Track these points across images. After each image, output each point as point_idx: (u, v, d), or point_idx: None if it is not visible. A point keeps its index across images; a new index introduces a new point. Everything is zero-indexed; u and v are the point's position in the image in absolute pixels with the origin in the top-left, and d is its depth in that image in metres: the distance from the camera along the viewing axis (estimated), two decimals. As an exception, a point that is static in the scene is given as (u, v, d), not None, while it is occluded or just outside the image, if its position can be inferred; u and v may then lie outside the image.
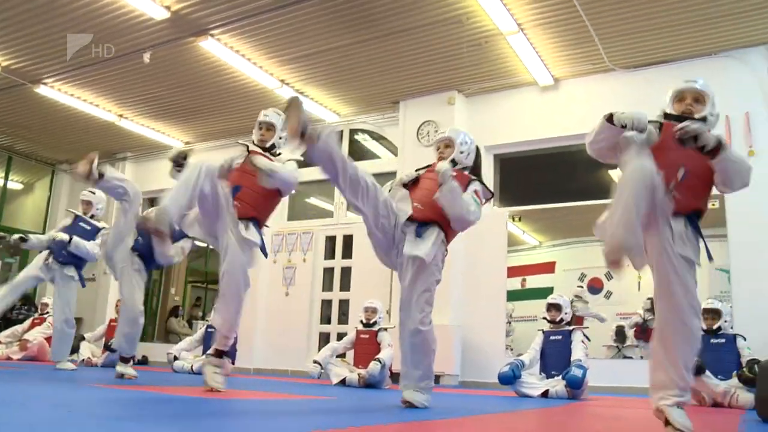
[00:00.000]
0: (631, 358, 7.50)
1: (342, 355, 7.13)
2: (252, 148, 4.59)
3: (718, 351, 5.55)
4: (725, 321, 5.68)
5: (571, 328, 6.15)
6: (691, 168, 2.80)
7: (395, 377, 7.05)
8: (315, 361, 6.83)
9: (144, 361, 10.06)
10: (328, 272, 9.62)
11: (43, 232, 10.08)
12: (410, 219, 3.71)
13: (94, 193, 6.52)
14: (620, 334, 8.31)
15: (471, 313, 8.12)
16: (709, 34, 7.01)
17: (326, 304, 9.54)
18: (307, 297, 9.51)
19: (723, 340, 5.60)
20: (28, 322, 9.37)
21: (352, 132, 9.93)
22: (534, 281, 8.67)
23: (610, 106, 8.00)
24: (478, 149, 4.23)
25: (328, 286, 9.56)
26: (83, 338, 9.01)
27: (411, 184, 3.94)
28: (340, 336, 8.35)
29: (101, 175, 5.05)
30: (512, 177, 8.83)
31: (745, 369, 5.26)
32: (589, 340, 6.12)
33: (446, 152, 4.08)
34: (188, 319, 12.74)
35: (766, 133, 6.83)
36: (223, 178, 4.30)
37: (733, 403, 5.21)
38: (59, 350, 6.35)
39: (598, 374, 6.25)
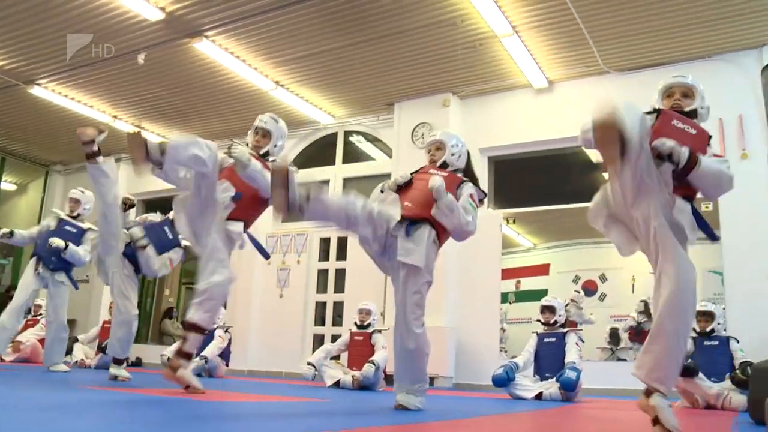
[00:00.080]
0: (625, 360, 7.51)
1: (336, 357, 7.13)
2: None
3: (711, 353, 5.56)
4: (718, 323, 5.69)
5: (565, 330, 6.15)
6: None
7: (389, 379, 7.05)
8: (309, 363, 6.82)
9: (138, 363, 10.03)
10: (323, 274, 9.61)
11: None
12: (401, 217, 3.68)
13: (83, 192, 6.49)
14: (614, 336, 8.32)
15: (465, 315, 8.13)
16: (702, 37, 7.04)
17: (320, 306, 9.54)
18: (302, 299, 9.50)
19: (716, 343, 5.62)
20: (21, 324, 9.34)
21: (347, 134, 9.93)
22: (528, 283, 8.67)
23: (604, 108, 7.99)
24: (469, 153, 4.23)
25: (322, 287, 9.56)
26: (76, 340, 8.99)
27: (404, 186, 3.91)
28: (335, 338, 8.34)
29: (93, 155, 4.93)
30: (507, 179, 8.84)
31: (738, 371, 5.27)
32: (583, 342, 6.13)
33: (437, 154, 4.08)
34: (182, 320, 12.71)
35: (759, 136, 6.85)
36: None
37: (725, 405, 5.22)
38: (53, 354, 6.33)
39: (592, 376, 6.25)
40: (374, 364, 6.41)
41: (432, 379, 7.57)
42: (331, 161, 9.94)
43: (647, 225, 2.65)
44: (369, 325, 6.90)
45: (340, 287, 9.31)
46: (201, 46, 7.54)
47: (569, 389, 5.57)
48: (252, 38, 7.47)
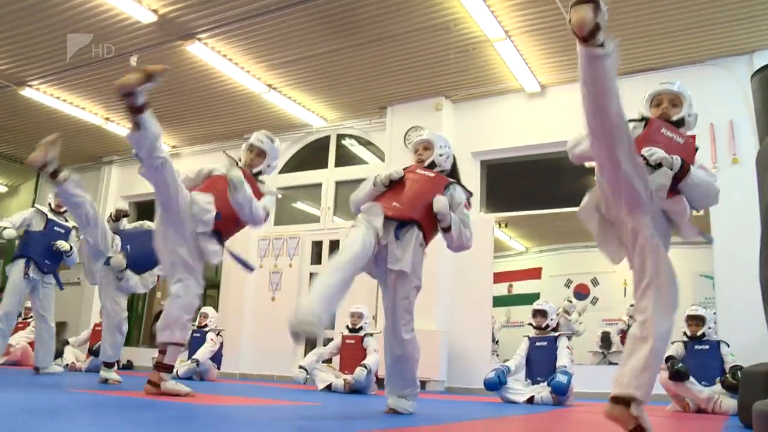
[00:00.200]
0: (616, 364, 7.52)
1: (328, 361, 7.12)
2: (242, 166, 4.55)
3: (702, 357, 5.58)
4: (709, 327, 5.72)
5: (556, 334, 6.16)
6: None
7: (381, 383, 7.04)
8: (301, 367, 6.81)
9: (129, 366, 9.99)
10: (315, 277, 9.58)
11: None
12: (389, 218, 3.58)
13: None
14: (606, 340, 8.35)
15: (457, 318, 8.13)
16: (694, 42, 7.08)
17: (312, 310, 9.50)
18: (294, 302, 9.36)
19: (707, 347, 5.64)
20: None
21: (340, 137, 9.93)
22: (520, 287, 8.69)
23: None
24: (454, 156, 4.21)
25: (314, 291, 9.53)
26: (67, 343, 8.94)
27: (396, 182, 3.81)
28: (326, 342, 8.33)
29: (55, 173, 4.66)
30: (499, 183, 8.86)
31: (728, 375, 5.29)
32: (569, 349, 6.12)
33: (425, 154, 4.01)
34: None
35: (750, 141, 6.89)
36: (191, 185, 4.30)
37: (716, 409, 5.24)
38: (45, 356, 6.29)
39: (583, 380, 6.27)
40: (366, 367, 6.40)
41: (424, 383, 7.57)
42: (323, 164, 9.93)
43: (635, 234, 2.66)
44: (361, 328, 6.90)
45: (332, 290, 9.27)
46: (193, 48, 7.54)
47: (561, 393, 5.57)
48: (245, 41, 7.47)
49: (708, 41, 7.04)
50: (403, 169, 3.90)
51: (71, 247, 6.12)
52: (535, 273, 8.44)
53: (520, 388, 5.87)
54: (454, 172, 4.11)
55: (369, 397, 5.83)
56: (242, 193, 4.15)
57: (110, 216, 5.95)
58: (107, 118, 9.98)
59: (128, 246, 5.52)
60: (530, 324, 6.32)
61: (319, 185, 9.89)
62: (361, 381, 6.35)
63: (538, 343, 6.13)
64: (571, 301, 7.82)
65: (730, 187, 6.75)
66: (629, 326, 7.68)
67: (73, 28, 7.24)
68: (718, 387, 5.34)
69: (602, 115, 2.48)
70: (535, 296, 7.45)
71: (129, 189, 11.56)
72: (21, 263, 6.09)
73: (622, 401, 2.45)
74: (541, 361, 6.02)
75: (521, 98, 8.44)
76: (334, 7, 6.71)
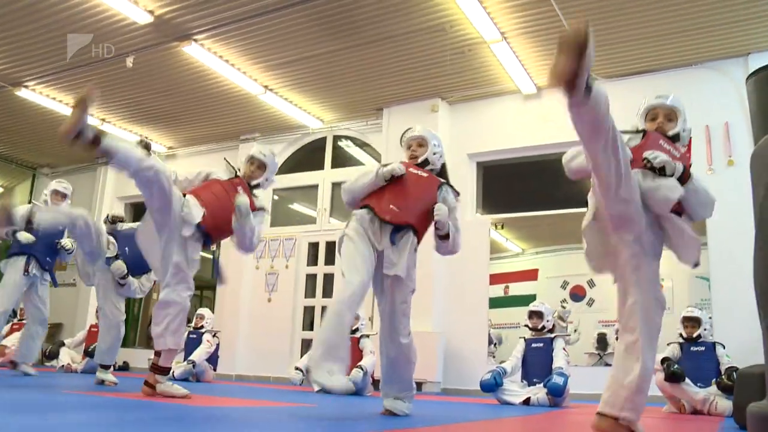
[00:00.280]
0: (612, 365, 7.53)
1: (324, 362, 7.10)
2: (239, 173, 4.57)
3: (697, 359, 5.59)
4: (705, 329, 5.73)
5: (552, 335, 6.16)
6: None
7: (377, 384, 7.05)
8: (297, 368, 6.81)
9: (125, 367, 9.98)
10: (311, 279, 9.60)
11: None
12: (384, 221, 3.58)
13: (67, 187, 6.37)
14: (602, 341, 8.35)
15: (453, 320, 8.13)
16: (689, 45, 7.10)
17: (309, 311, 9.52)
18: (290, 303, 9.48)
19: (702, 348, 5.65)
20: (6, 328, 9.25)
21: (336, 138, 9.93)
22: (517, 288, 8.70)
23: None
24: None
25: (310, 292, 9.54)
26: (63, 344, 8.92)
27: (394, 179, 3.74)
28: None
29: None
30: (495, 185, 8.87)
31: (724, 377, 5.31)
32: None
33: (419, 151, 3.93)
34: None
35: (745, 143, 6.90)
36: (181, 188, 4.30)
37: (712, 410, 5.25)
38: (27, 352, 6.19)
39: (579, 382, 6.27)
40: (362, 369, 6.40)
41: (420, 384, 7.57)
42: (319, 166, 9.93)
43: (618, 252, 2.70)
44: (357, 330, 6.90)
45: (328, 292, 9.29)
46: (190, 49, 7.53)
47: (557, 395, 5.58)
48: (241, 42, 7.46)
49: (704, 43, 7.06)
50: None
51: (72, 245, 6.09)
52: (531, 274, 8.45)
53: (516, 390, 5.88)
54: (443, 172, 4.05)
55: (365, 399, 5.83)
56: (249, 224, 4.21)
57: (107, 218, 5.94)
58: (103, 119, 9.97)
59: (126, 248, 5.51)
60: (526, 326, 6.33)
61: (316, 186, 9.89)
62: (358, 382, 6.35)
63: (534, 345, 6.13)
64: (564, 307, 7.81)
65: (726, 188, 6.77)
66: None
67: (69, 29, 7.23)
68: (713, 388, 5.36)
69: (594, 152, 2.50)
70: (531, 298, 7.46)
71: (124, 190, 11.53)
72: (22, 260, 6.02)
73: (612, 416, 2.53)
74: (537, 363, 6.02)
75: (517, 100, 8.45)
76: (330, 9, 6.71)
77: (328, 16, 6.84)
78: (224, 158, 4.77)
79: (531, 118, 8.30)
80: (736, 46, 7.08)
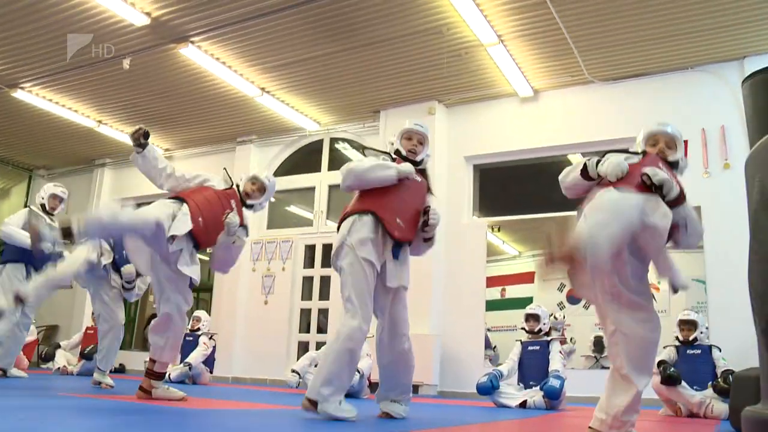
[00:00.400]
0: (609, 368, 7.53)
1: (321, 365, 7.09)
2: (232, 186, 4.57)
3: (693, 362, 5.60)
4: (701, 332, 5.74)
5: (549, 338, 6.17)
6: None
7: (374, 387, 7.03)
8: (293, 371, 6.79)
9: (121, 370, 9.96)
10: (308, 281, 9.59)
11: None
12: (390, 236, 3.55)
13: (65, 191, 6.35)
14: (598, 344, 8.34)
15: (450, 322, 8.14)
16: (686, 48, 7.11)
17: (305, 313, 9.51)
18: (287, 306, 9.47)
19: (699, 351, 5.66)
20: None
21: (333, 141, 9.93)
22: (513, 291, 8.68)
23: (588, 117, 8.09)
24: None
25: (307, 295, 9.53)
26: (59, 346, 8.90)
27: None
28: (319, 345, 8.31)
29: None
30: (492, 187, 8.88)
31: (720, 380, 5.32)
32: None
33: (419, 149, 3.88)
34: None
35: (741, 146, 6.92)
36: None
37: (708, 413, 5.26)
38: (13, 353, 6.06)
39: (576, 385, 6.27)
40: (358, 371, 6.39)
41: (416, 387, 7.57)
42: (316, 168, 9.93)
43: (594, 282, 2.76)
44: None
45: (325, 294, 9.28)
46: (187, 51, 7.52)
47: (553, 397, 5.58)
48: (238, 44, 7.46)
49: (700, 47, 7.08)
50: (396, 157, 3.82)
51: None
52: (528, 277, 8.43)
53: (512, 393, 5.88)
54: (426, 175, 4.00)
55: (361, 401, 5.82)
56: (239, 244, 4.27)
57: None
58: (100, 121, 9.95)
59: (124, 251, 5.49)
60: (523, 328, 6.33)
61: (312, 189, 9.89)
62: (354, 385, 6.33)
63: (530, 348, 6.14)
64: (556, 318, 7.78)
65: (722, 191, 6.80)
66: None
67: (65, 31, 7.22)
68: (709, 391, 5.36)
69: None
70: (528, 300, 7.46)
71: (121, 192, 11.53)
72: (22, 268, 5.98)
73: None
74: (533, 366, 6.03)
75: (514, 103, 8.46)
76: (327, 11, 6.71)
77: (325, 18, 6.85)
78: (224, 168, 4.75)
79: (528, 121, 8.32)
80: (732, 50, 7.10)
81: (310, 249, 9.69)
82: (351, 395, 6.35)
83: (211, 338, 8.12)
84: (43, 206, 6.21)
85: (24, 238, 5.80)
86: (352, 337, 3.31)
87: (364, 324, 3.36)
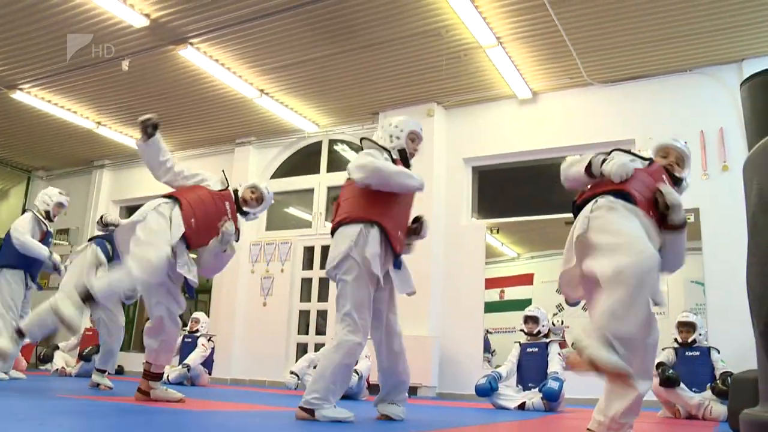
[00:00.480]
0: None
1: (319, 366, 7.08)
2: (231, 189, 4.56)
3: (692, 363, 5.60)
4: (700, 334, 5.74)
5: (548, 340, 6.17)
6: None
7: (372, 389, 7.03)
8: (292, 372, 6.79)
9: (120, 371, 9.94)
10: (306, 282, 9.58)
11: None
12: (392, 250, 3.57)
13: (68, 199, 6.34)
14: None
15: (449, 324, 8.14)
16: (684, 50, 7.12)
17: (304, 315, 9.50)
18: (285, 307, 9.46)
19: (697, 353, 5.66)
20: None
21: (332, 142, 9.93)
22: (512, 293, 8.69)
23: (587, 120, 8.09)
24: None
25: (306, 296, 9.53)
26: (57, 347, 8.90)
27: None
28: (318, 347, 8.31)
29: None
30: (490, 189, 8.89)
31: (718, 381, 5.32)
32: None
33: (417, 149, 3.94)
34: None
35: (740, 149, 6.93)
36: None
37: (706, 415, 5.26)
38: (13, 355, 6.08)
39: (574, 387, 6.27)
40: (357, 373, 6.38)
41: (415, 389, 7.58)
42: (315, 170, 9.93)
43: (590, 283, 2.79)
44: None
45: (324, 296, 9.28)
46: (186, 53, 7.52)
47: (552, 399, 5.58)
48: (237, 46, 7.46)
49: (699, 49, 7.09)
50: (397, 158, 3.79)
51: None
52: (526, 279, 8.43)
53: (511, 394, 5.88)
54: None
55: (360, 403, 5.82)
56: (229, 252, 4.26)
57: (99, 220, 5.91)
58: (98, 122, 9.95)
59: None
60: (522, 330, 6.33)
61: (311, 190, 9.89)
62: (353, 387, 6.33)
63: (529, 349, 6.14)
64: (554, 324, 7.78)
65: (721, 193, 6.81)
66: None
67: (64, 32, 7.21)
68: (708, 393, 5.37)
69: None
70: (526, 302, 7.45)
71: (120, 193, 11.53)
72: (21, 274, 5.94)
73: None
74: (532, 368, 6.04)
75: (513, 105, 8.47)
76: (326, 13, 6.71)
77: (324, 20, 6.85)
78: (222, 171, 4.75)
79: (526, 123, 8.33)
80: (730, 52, 7.11)
81: (309, 251, 9.68)
82: (350, 397, 6.36)
83: (209, 340, 8.12)
84: (47, 213, 6.15)
85: (41, 251, 5.79)
86: (352, 353, 3.33)
87: (364, 339, 3.39)
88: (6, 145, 11.21)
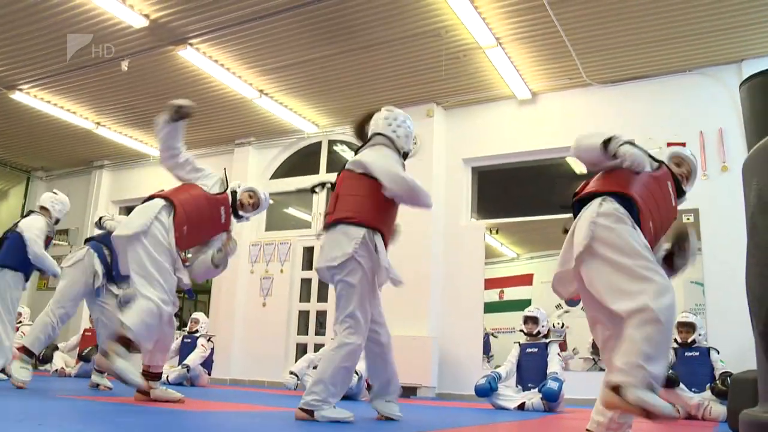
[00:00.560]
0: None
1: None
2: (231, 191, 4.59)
3: (692, 364, 5.61)
4: (699, 334, 5.75)
5: (547, 340, 6.18)
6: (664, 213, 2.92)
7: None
8: (292, 373, 6.80)
9: (118, 372, 9.93)
10: (306, 283, 9.57)
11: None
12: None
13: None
14: (597, 346, 8.34)
15: (448, 324, 8.14)
16: (684, 51, 7.12)
17: (304, 315, 9.50)
18: (285, 308, 9.46)
19: (697, 353, 5.67)
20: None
21: (331, 143, 9.93)
22: (512, 293, 8.69)
23: (587, 120, 8.10)
24: None
25: (305, 296, 9.52)
26: (56, 348, 8.89)
27: None
28: (318, 347, 8.31)
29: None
30: (490, 190, 8.89)
31: (718, 382, 5.33)
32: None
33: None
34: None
35: (739, 149, 6.93)
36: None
37: (706, 415, 5.26)
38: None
39: (574, 387, 6.28)
40: (357, 373, 6.38)
41: (415, 389, 7.58)
42: (314, 170, 9.92)
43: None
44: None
45: (323, 296, 9.27)
46: (185, 53, 7.52)
47: (552, 399, 5.58)
48: (236, 46, 7.46)
49: (698, 50, 7.09)
50: None
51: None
52: (526, 279, 8.42)
53: (510, 395, 5.88)
54: None
55: (359, 404, 5.82)
56: (223, 267, 4.30)
57: (98, 221, 5.90)
58: (98, 123, 9.94)
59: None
60: (521, 330, 6.34)
61: (311, 191, 9.86)
62: (352, 387, 6.33)
63: (529, 350, 6.15)
64: (554, 326, 7.77)
65: (720, 194, 6.81)
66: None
67: (63, 33, 7.21)
68: (707, 393, 5.37)
69: None
70: (526, 303, 7.46)
71: (119, 194, 11.53)
72: (21, 276, 5.85)
73: None
74: (532, 368, 6.04)
75: (512, 105, 8.47)
76: (326, 13, 6.71)
77: (323, 20, 6.85)
78: (224, 168, 4.75)
79: (526, 124, 8.33)
80: (730, 53, 7.11)
81: (309, 251, 9.67)
82: (350, 397, 6.36)
83: (209, 340, 8.12)
84: (57, 220, 6.09)
85: (54, 268, 5.77)
86: (352, 355, 3.33)
87: (364, 341, 3.40)
88: (5, 145, 11.21)
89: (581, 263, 2.70)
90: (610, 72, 7.67)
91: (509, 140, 8.41)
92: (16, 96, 8.93)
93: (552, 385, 5.60)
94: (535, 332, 6.20)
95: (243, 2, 6.57)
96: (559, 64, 7.57)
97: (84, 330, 8.93)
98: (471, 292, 8.17)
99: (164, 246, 3.90)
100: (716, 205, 6.83)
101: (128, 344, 3.63)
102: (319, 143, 9.95)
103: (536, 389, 5.80)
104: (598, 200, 2.76)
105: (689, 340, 5.69)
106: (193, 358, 7.68)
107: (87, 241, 5.74)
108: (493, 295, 8.26)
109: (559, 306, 8.38)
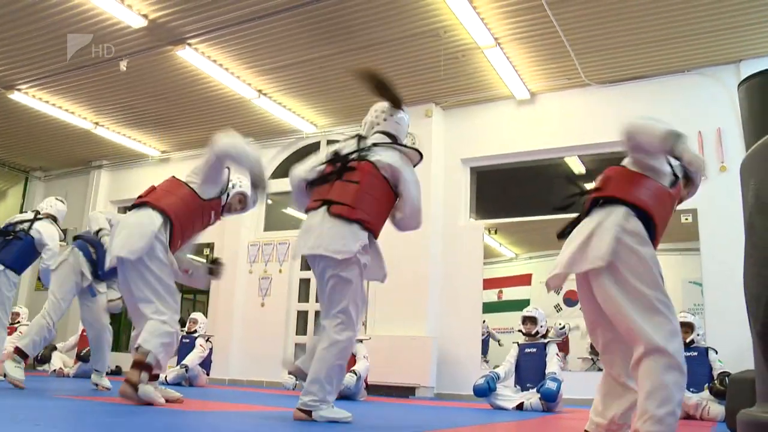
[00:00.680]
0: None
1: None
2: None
3: (690, 364, 5.52)
4: (698, 334, 5.75)
5: (546, 341, 6.18)
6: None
7: (371, 389, 7.03)
8: (290, 372, 6.79)
9: (118, 372, 9.93)
10: (305, 283, 9.57)
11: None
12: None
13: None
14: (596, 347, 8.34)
15: (447, 324, 8.14)
16: (682, 51, 7.13)
17: (302, 315, 9.50)
18: (284, 308, 9.46)
19: (695, 353, 5.67)
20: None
21: (330, 143, 9.92)
22: (510, 293, 8.69)
23: (585, 120, 8.09)
24: None
25: (304, 296, 9.52)
26: (55, 348, 8.88)
27: None
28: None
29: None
30: (489, 190, 8.89)
31: (716, 382, 5.33)
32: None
33: None
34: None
35: (738, 149, 6.93)
36: None
37: (704, 415, 5.27)
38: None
39: (572, 387, 6.28)
40: (356, 373, 6.39)
41: (413, 389, 7.58)
42: (313, 170, 9.90)
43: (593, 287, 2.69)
44: (351, 335, 6.87)
45: (322, 296, 9.25)
46: (184, 53, 7.52)
47: (550, 400, 5.59)
48: (235, 46, 7.46)
49: (697, 50, 7.10)
50: None
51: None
52: (525, 279, 8.43)
53: (509, 395, 5.89)
54: None
55: (358, 403, 5.82)
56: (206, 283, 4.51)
57: (96, 233, 5.87)
58: (96, 123, 9.94)
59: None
60: (520, 330, 6.34)
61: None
62: (351, 387, 6.33)
63: (527, 350, 6.15)
64: (552, 327, 7.79)
65: (718, 194, 6.80)
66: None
67: (62, 33, 7.21)
68: (706, 393, 5.38)
69: None
70: (525, 303, 7.46)
71: (118, 194, 11.52)
72: (18, 279, 5.78)
73: None
74: (530, 368, 6.04)
75: (511, 105, 8.47)
76: (324, 14, 6.72)
77: (322, 20, 6.85)
78: (227, 167, 4.76)
79: (525, 124, 8.33)
80: (728, 53, 7.12)
81: (307, 251, 9.65)
82: (348, 397, 6.36)
83: (207, 340, 8.12)
84: (55, 219, 6.06)
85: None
86: (344, 351, 3.33)
87: (356, 332, 3.41)
88: (4, 145, 11.20)
89: (597, 275, 2.58)
90: (608, 72, 7.68)
91: (508, 140, 8.41)
92: (15, 96, 8.92)
93: (550, 385, 5.60)
94: (533, 332, 6.20)
95: (242, 2, 6.57)
96: (557, 64, 7.57)
97: (82, 330, 8.90)
98: (470, 292, 8.18)
99: (167, 265, 3.93)
100: (715, 205, 6.84)
101: (149, 369, 3.66)
102: (318, 143, 9.95)
103: (535, 389, 5.80)
104: (622, 211, 2.59)
105: (688, 340, 5.69)
106: (192, 359, 7.68)
107: (75, 239, 5.71)
108: (491, 295, 8.26)
109: (557, 306, 8.39)
